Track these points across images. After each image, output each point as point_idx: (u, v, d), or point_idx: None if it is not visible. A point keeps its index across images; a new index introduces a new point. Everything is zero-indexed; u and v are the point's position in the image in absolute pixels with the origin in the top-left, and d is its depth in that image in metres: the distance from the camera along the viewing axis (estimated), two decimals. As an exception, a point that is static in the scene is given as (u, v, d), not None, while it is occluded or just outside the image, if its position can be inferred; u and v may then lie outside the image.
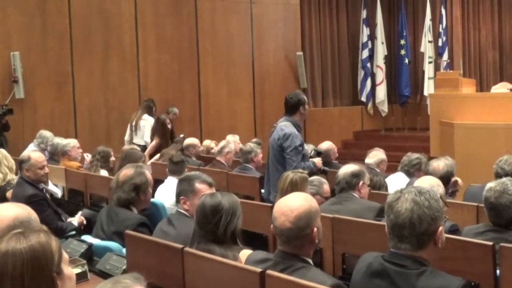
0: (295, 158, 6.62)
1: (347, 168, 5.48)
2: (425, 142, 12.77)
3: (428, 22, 15.51)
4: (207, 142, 10.57)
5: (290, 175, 5.57)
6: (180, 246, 3.69)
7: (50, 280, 2.25)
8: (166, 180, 7.09)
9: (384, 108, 16.30)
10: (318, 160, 6.96)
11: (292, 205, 3.30)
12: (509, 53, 16.18)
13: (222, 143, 8.79)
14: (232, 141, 9.13)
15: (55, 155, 8.79)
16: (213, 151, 9.70)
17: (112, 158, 8.33)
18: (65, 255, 2.39)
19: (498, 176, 6.43)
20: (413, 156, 7.17)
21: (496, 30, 16.22)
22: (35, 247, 2.26)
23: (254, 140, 9.93)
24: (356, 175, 5.40)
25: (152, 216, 5.53)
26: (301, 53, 15.30)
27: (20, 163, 6.25)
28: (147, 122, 10.96)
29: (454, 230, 4.61)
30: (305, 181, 5.49)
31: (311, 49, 16.10)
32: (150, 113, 11.20)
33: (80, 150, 8.79)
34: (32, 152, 6.72)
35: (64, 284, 2.31)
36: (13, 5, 11.43)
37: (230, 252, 3.73)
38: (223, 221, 3.84)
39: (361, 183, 5.39)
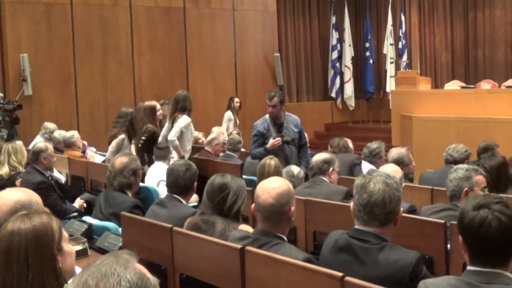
0: (252, 145, 6.99)
1: (319, 156, 5.48)
2: (388, 133, 12.87)
3: (389, 27, 15.59)
4: (195, 134, 10.52)
5: (271, 162, 5.61)
6: (169, 226, 3.67)
7: (52, 256, 2.24)
8: (153, 165, 7.07)
9: (352, 103, 16.38)
10: (272, 142, 6.80)
11: (274, 184, 3.32)
12: (460, 55, 16.29)
13: (213, 135, 8.74)
14: (222, 135, 9.08)
15: (58, 144, 8.79)
16: (200, 141, 9.64)
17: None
18: (65, 234, 2.37)
19: (447, 162, 6.51)
20: (373, 146, 7.12)
21: (449, 35, 16.31)
22: (37, 227, 2.25)
23: (236, 131, 9.89)
24: (327, 162, 5.40)
25: (145, 199, 5.53)
26: (278, 54, 15.27)
27: (39, 153, 6.26)
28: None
29: (412, 210, 4.63)
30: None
31: (287, 51, 16.11)
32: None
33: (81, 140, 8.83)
34: (47, 143, 6.75)
35: (64, 260, 2.30)
36: (22, 12, 11.35)
37: (231, 225, 3.72)
38: (230, 197, 3.82)
39: (331, 169, 5.39)
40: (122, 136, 7.77)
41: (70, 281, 1.58)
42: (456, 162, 6.31)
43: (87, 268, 1.57)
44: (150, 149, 7.39)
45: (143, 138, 7.56)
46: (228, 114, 11.82)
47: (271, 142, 6.78)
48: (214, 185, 3.89)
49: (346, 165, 7.12)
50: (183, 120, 7.45)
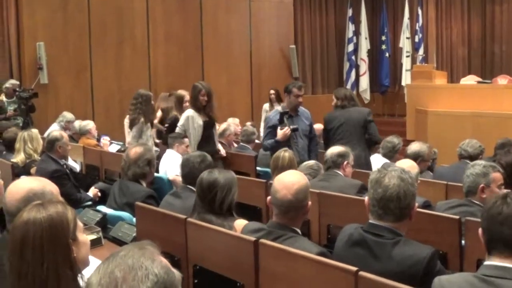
0: (264, 137, 7.00)
1: (334, 149, 5.47)
2: (402, 127, 12.80)
3: (406, 20, 15.52)
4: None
5: (285, 154, 5.59)
6: (183, 216, 3.68)
7: (66, 245, 2.24)
8: (165, 154, 7.07)
9: (367, 96, 16.30)
10: (281, 132, 6.70)
11: (293, 180, 3.31)
12: (476, 49, 16.17)
13: (223, 126, 8.73)
14: (233, 124, 9.08)
15: (75, 134, 8.86)
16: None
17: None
18: (80, 224, 2.37)
19: (461, 157, 6.47)
20: (395, 141, 7.04)
21: (466, 29, 16.18)
22: (53, 216, 2.24)
23: (250, 123, 9.88)
24: (342, 155, 5.38)
25: (159, 189, 5.54)
26: (293, 46, 15.23)
27: (55, 141, 6.24)
28: None
29: (427, 205, 4.61)
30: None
31: (303, 42, 16.05)
32: None
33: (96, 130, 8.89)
34: (62, 132, 6.76)
35: (79, 249, 2.30)
36: (39, 1, 11.38)
37: (226, 222, 3.73)
38: (218, 196, 3.83)
39: (345, 162, 5.37)
40: (142, 119, 7.71)
41: (93, 271, 1.57)
42: (470, 157, 6.28)
43: (112, 259, 1.56)
44: None
45: (166, 125, 7.79)
46: (266, 105, 11.88)
47: (280, 133, 6.71)
48: (203, 185, 3.89)
49: (359, 125, 7.04)
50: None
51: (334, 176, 5.30)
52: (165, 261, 1.60)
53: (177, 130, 7.21)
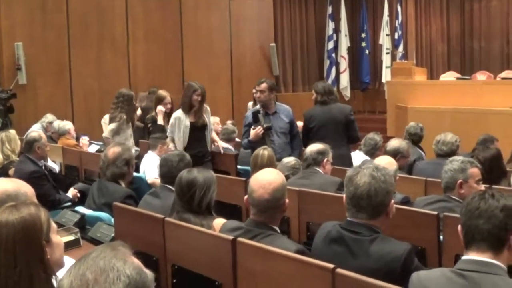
0: (242, 136, 6.98)
1: (314, 147, 5.46)
2: (383, 123, 12.84)
3: (385, 18, 15.56)
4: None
5: (265, 152, 5.58)
6: (161, 216, 3.66)
7: (40, 247, 2.22)
8: (145, 155, 7.01)
9: (347, 93, 16.31)
10: (254, 132, 6.76)
11: (269, 178, 3.29)
12: (456, 46, 16.29)
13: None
14: (213, 123, 9.03)
15: (53, 133, 8.81)
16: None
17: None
18: (54, 225, 2.35)
19: (438, 155, 6.48)
20: (376, 139, 7.10)
21: (445, 26, 16.30)
22: (26, 218, 2.22)
23: (230, 122, 9.86)
24: (321, 153, 5.38)
25: (139, 189, 5.51)
26: (274, 44, 15.22)
27: (33, 142, 6.19)
28: None
29: (405, 201, 4.62)
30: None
31: (283, 40, 16.04)
32: None
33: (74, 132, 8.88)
34: (41, 133, 6.70)
35: (53, 251, 2.28)
36: (16, 1, 11.27)
37: (204, 221, 3.72)
38: (197, 195, 3.81)
39: (325, 160, 5.38)
40: (124, 117, 7.63)
41: (65, 273, 1.55)
42: (448, 154, 6.28)
43: (83, 260, 1.54)
44: None
45: (149, 125, 7.90)
46: (250, 103, 11.83)
47: (252, 132, 6.73)
48: (182, 183, 3.88)
49: (342, 123, 7.02)
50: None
51: (314, 173, 5.30)
52: (137, 261, 1.59)
53: (168, 132, 7.08)
